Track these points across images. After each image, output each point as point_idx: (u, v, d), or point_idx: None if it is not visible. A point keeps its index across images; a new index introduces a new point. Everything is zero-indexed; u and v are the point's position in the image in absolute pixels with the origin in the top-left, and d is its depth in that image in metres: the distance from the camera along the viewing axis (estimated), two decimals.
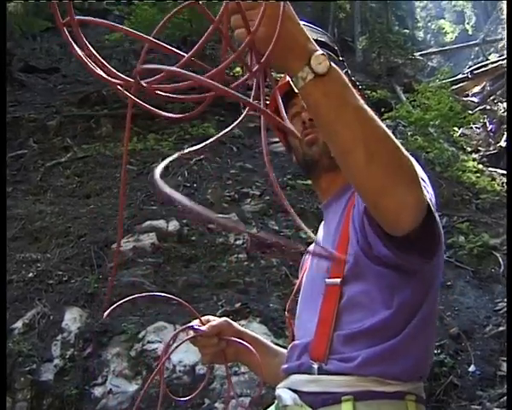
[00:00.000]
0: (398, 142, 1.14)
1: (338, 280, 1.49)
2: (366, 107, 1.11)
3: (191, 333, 1.72)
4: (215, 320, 1.81)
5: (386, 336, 1.41)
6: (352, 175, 1.18)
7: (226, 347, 1.79)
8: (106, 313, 1.49)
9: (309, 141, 1.64)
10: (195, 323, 1.77)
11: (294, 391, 1.50)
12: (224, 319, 1.83)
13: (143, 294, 1.67)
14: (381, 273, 1.38)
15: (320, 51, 1.04)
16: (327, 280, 1.53)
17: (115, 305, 1.51)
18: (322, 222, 1.77)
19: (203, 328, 1.74)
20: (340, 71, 1.08)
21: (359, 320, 1.44)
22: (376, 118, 1.12)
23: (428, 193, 1.28)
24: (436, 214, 1.26)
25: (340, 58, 1.69)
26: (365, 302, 1.45)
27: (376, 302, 1.44)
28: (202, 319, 1.79)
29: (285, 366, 1.63)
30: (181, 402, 1.80)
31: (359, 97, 1.11)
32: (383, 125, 1.13)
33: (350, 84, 1.10)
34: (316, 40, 1.07)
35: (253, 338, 1.87)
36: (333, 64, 1.06)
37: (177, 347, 1.73)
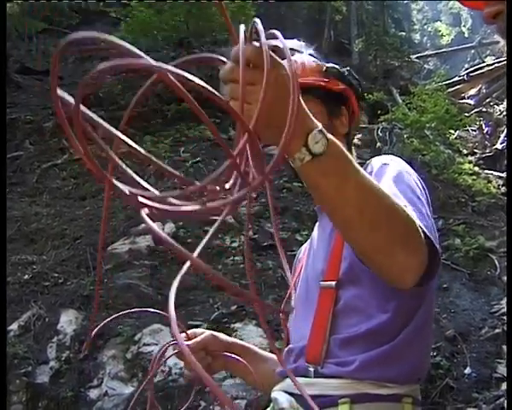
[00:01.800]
0: (400, 205, 1.14)
1: (333, 283, 1.49)
2: (366, 177, 1.09)
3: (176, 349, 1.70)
4: (201, 334, 1.79)
5: (382, 340, 1.41)
6: (354, 244, 1.19)
7: (213, 360, 1.78)
8: (84, 347, 1.49)
9: None
10: (182, 336, 1.75)
11: (290, 394, 1.50)
12: (210, 332, 1.81)
13: (126, 311, 1.68)
14: (376, 278, 1.38)
15: (317, 128, 0.99)
16: (322, 283, 1.53)
17: (95, 329, 1.52)
18: (317, 223, 1.77)
19: (188, 343, 1.73)
20: (338, 144, 1.04)
21: (355, 324, 1.44)
22: (376, 186, 1.11)
23: (427, 218, 1.28)
24: (437, 245, 1.24)
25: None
26: (361, 306, 1.45)
27: (372, 306, 1.44)
28: (189, 333, 1.77)
29: (280, 369, 1.63)
30: None
31: (358, 167, 1.09)
32: (384, 193, 1.11)
33: (349, 156, 1.06)
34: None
35: (241, 347, 1.87)
36: (330, 137, 1.01)
37: (162, 363, 1.74)
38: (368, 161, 1.59)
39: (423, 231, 1.19)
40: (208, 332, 1.81)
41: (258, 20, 0.84)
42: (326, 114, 1.64)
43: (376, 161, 1.54)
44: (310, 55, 1.69)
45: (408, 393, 1.43)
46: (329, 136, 1.01)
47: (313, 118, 1.01)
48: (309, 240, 1.85)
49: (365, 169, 1.52)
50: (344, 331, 1.45)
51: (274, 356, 1.87)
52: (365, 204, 1.07)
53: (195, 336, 1.78)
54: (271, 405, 1.59)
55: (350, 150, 1.72)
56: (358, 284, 1.46)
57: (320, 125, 1.01)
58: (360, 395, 1.37)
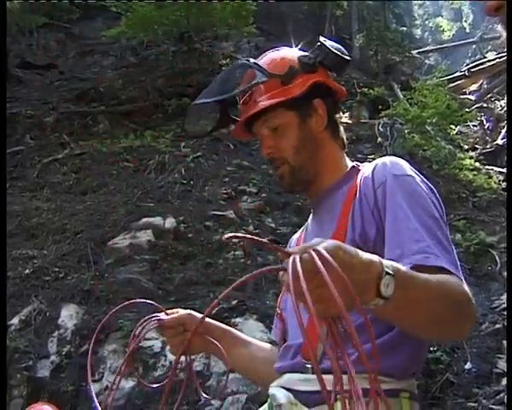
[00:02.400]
0: (463, 289, 1.32)
1: None
2: (432, 283, 1.22)
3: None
4: (179, 312, 1.85)
5: (379, 331, 1.41)
6: (421, 337, 1.42)
7: (193, 338, 1.76)
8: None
9: (277, 177, 1.67)
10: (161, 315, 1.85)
11: (288, 390, 1.49)
12: (188, 311, 1.86)
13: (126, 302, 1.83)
14: None
15: (385, 272, 1.06)
16: None
17: None
18: (311, 216, 1.75)
19: (165, 317, 1.82)
20: (401, 271, 1.12)
21: (354, 321, 1.44)
22: (441, 285, 1.25)
23: (448, 247, 1.40)
24: (460, 273, 1.39)
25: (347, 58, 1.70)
26: None
27: None
28: (169, 311, 1.88)
29: (278, 365, 1.62)
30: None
31: (413, 275, 1.18)
32: (451, 288, 1.28)
33: (414, 274, 1.18)
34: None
35: (220, 329, 1.87)
36: (395, 269, 1.08)
37: (141, 337, 1.84)
38: (377, 162, 1.56)
39: (460, 278, 1.36)
40: (187, 311, 1.87)
41: None
42: (297, 120, 1.62)
43: (384, 170, 1.52)
44: (267, 64, 1.63)
45: (405, 388, 1.43)
46: (394, 267, 1.09)
47: (373, 259, 1.07)
48: (300, 231, 1.84)
49: (374, 174, 1.52)
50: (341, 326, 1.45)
51: (257, 342, 1.91)
52: (433, 314, 1.23)
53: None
54: (268, 401, 1.59)
55: (337, 131, 1.71)
56: None
57: (381, 264, 1.07)
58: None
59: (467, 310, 1.31)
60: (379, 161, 1.56)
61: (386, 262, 1.07)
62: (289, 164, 1.61)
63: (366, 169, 1.58)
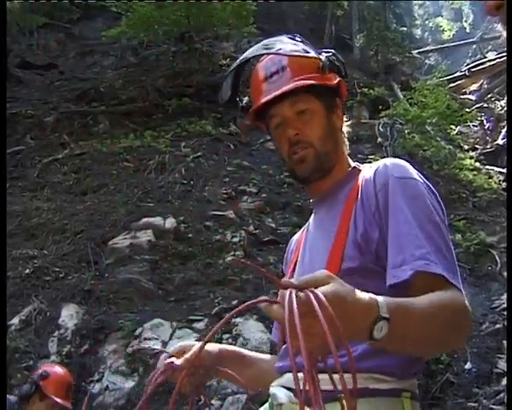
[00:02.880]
0: (460, 304, 1.32)
1: None
2: (428, 311, 1.24)
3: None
4: (189, 349, 1.64)
5: None
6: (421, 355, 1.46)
7: (205, 371, 1.67)
8: None
9: (298, 160, 1.61)
10: (170, 357, 1.63)
11: (289, 389, 1.49)
12: (197, 346, 1.67)
13: None
14: (381, 273, 1.39)
15: (380, 316, 1.08)
16: None
17: None
18: (312, 216, 1.74)
19: (178, 362, 1.60)
20: (396, 311, 1.13)
21: None
22: (439, 309, 1.26)
23: (448, 256, 1.39)
24: (459, 278, 1.38)
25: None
26: None
27: None
28: (176, 349, 1.66)
29: (279, 364, 1.62)
30: None
31: (409, 304, 1.21)
32: (449, 310, 1.29)
33: (409, 307, 1.20)
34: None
35: (230, 354, 1.79)
36: (390, 310, 1.10)
37: (153, 389, 1.56)
38: (379, 164, 1.55)
39: (459, 288, 1.35)
40: (196, 347, 1.68)
41: None
42: (324, 111, 1.62)
43: (385, 172, 1.50)
44: (304, 50, 1.65)
45: (406, 388, 1.42)
46: (389, 306, 1.11)
47: (370, 305, 1.10)
48: (300, 231, 1.83)
49: (376, 176, 1.51)
50: None
51: (261, 356, 1.87)
52: (429, 340, 1.27)
53: (184, 352, 1.64)
54: (269, 400, 1.58)
55: (343, 134, 1.72)
56: (361, 284, 1.45)
57: (378, 308, 1.09)
58: (360, 390, 1.37)
59: (464, 326, 1.34)
60: (380, 162, 1.56)
61: (382, 303, 1.10)
62: (315, 148, 1.59)
63: (367, 171, 1.58)
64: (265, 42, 1.68)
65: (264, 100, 1.59)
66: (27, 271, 6.11)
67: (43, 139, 10.04)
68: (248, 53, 1.65)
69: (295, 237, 1.87)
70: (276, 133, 1.64)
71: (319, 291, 0.97)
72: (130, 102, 11.05)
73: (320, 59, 1.62)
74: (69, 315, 5.53)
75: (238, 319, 5.38)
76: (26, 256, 6.40)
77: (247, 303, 1.03)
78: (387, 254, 1.40)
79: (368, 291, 1.37)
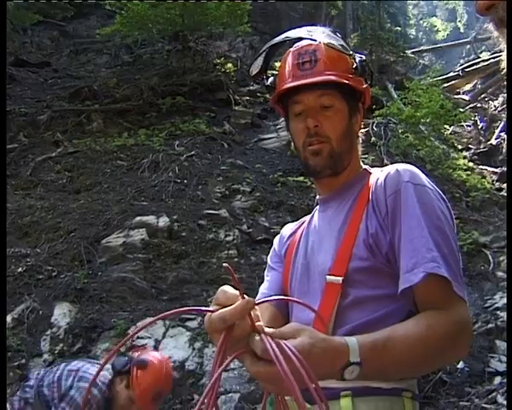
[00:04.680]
0: (456, 320, 1.34)
1: (340, 279, 1.48)
2: (412, 339, 1.27)
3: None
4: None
5: (385, 326, 1.41)
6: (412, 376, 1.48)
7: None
8: None
9: (313, 152, 1.61)
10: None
11: None
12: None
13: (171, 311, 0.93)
14: (389, 273, 1.41)
15: (348, 363, 1.13)
16: (328, 277, 1.51)
17: None
18: (317, 213, 1.74)
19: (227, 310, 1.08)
20: (374, 345, 1.20)
21: (361, 318, 1.45)
22: (422, 337, 1.29)
23: (453, 264, 1.45)
24: (463, 287, 1.42)
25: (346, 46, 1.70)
26: (370, 302, 1.45)
27: (381, 300, 1.44)
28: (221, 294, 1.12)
29: None
30: None
31: (401, 338, 1.26)
32: (434, 334, 1.30)
33: (389, 342, 1.24)
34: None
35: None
36: (369, 348, 1.17)
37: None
38: (390, 170, 1.55)
39: (461, 296, 1.38)
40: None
41: None
42: (347, 112, 1.63)
43: (397, 178, 1.51)
44: (342, 46, 1.65)
45: (407, 387, 1.43)
46: (364, 348, 1.17)
47: (339, 353, 1.15)
48: (298, 223, 1.83)
49: (387, 182, 1.51)
50: (349, 325, 1.45)
51: None
52: (413, 359, 1.29)
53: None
54: (270, 397, 1.58)
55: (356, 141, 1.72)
56: (369, 283, 1.46)
57: (348, 355, 1.14)
58: (361, 389, 1.37)
59: (461, 342, 1.36)
60: (392, 168, 1.56)
61: (354, 347, 1.14)
62: (331, 145, 1.60)
63: (378, 174, 1.58)
64: (309, 28, 1.69)
65: (293, 84, 1.59)
66: (20, 269, 6.10)
67: (37, 137, 10.02)
68: (290, 33, 1.66)
69: (289, 226, 1.88)
70: (295, 121, 1.64)
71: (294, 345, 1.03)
72: (124, 101, 11.03)
73: (355, 60, 1.65)
74: (62, 314, 5.52)
75: None
76: (18, 254, 6.38)
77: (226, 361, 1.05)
78: (399, 259, 1.42)
79: (379, 290, 1.40)
